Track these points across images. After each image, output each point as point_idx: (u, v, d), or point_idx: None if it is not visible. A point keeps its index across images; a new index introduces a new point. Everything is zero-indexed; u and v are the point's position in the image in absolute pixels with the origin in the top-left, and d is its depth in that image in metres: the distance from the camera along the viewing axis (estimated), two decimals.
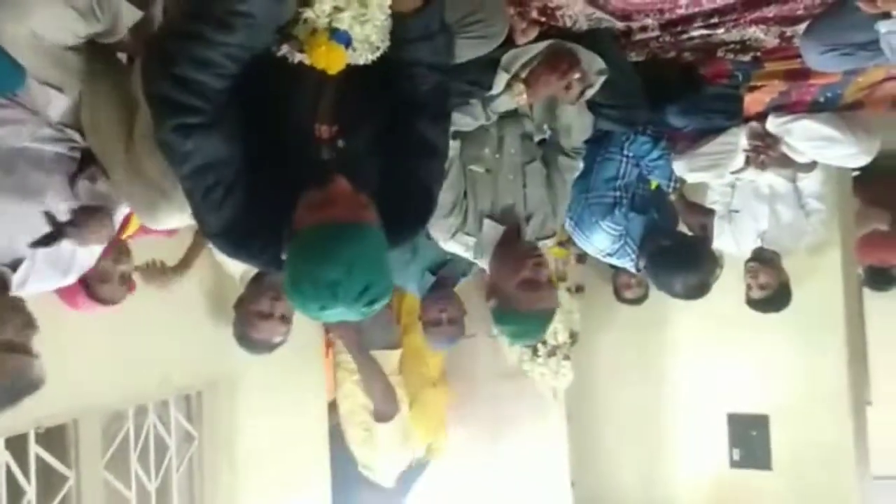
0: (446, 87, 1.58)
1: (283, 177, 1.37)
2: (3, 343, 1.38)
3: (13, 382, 1.40)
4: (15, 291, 1.47)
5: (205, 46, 1.30)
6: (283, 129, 1.41)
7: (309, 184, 1.32)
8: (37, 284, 1.56)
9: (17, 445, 1.91)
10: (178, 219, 1.62)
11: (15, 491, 1.91)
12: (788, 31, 2.25)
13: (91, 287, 1.84)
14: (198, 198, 1.38)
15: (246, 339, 2.30)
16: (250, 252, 1.46)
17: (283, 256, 1.33)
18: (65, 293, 1.85)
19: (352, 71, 1.44)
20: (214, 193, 1.36)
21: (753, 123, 2.68)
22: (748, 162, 2.73)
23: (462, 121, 1.98)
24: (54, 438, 2.01)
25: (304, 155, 1.41)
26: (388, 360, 3.29)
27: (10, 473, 1.89)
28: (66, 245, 1.56)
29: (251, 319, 2.26)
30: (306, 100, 1.42)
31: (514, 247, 2.03)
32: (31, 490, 1.93)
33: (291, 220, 1.31)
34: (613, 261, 2.80)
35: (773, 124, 2.64)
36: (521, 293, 1.97)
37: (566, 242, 3.37)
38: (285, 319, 2.26)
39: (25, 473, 1.93)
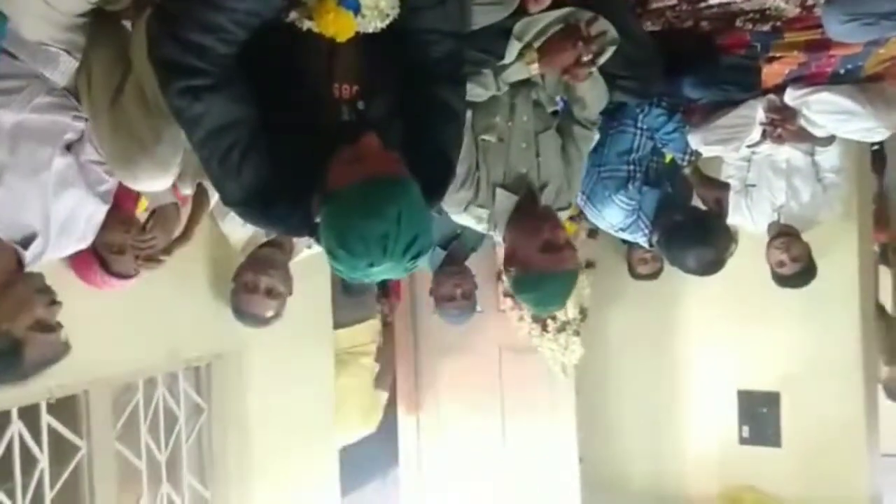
0: (460, 54, 1.55)
1: (304, 139, 1.35)
2: (36, 323, 1.39)
3: (49, 357, 1.43)
4: (31, 265, 1.47)
5: (212, 11, 1.28)
6: (300, 92, 1.39)
7: (335, 142, 1.30)
8: (54, 254, 1.55)
9: (29, 415, 1.93)
10: (159, 179, 1.59)
11: (28, 460, 1.92)
12: None
13: (107, 262, 1.83)
14: (215, 164, 1.36)
15: (238, 312, 2.30)
16: (278, 216, 1.44)
17: (317, 220, 1.31)
18: (84, 274, 1.85)
19: (366, 37, 1.41)
20: (231, 157, 1.34)
21: (771, 96, 2.62)
22: (765, 135, 2.68)
23: (474, 91, 1.94)
24: (66, 409, 2.02)
25: (323, 116, 1.39)
26: (350, 336, 3.23)
27: (23, 443, 1.91)
28: (79, 209, 1.55)
29: (239, 292, 2.27)
30: (321, 63, 1.40)
31: (530, 211, 1.99)
32: (43, 459, 1.95)
33: (323, 182, 1.28)
34: (626, 236, 2.77)
35: (791, 97, 2.59)
36: (543, 255, 1.93)
37: (577, 217, 3.34)
38: (272, 294, 2.24)
39: (38, 443, 1.95)
